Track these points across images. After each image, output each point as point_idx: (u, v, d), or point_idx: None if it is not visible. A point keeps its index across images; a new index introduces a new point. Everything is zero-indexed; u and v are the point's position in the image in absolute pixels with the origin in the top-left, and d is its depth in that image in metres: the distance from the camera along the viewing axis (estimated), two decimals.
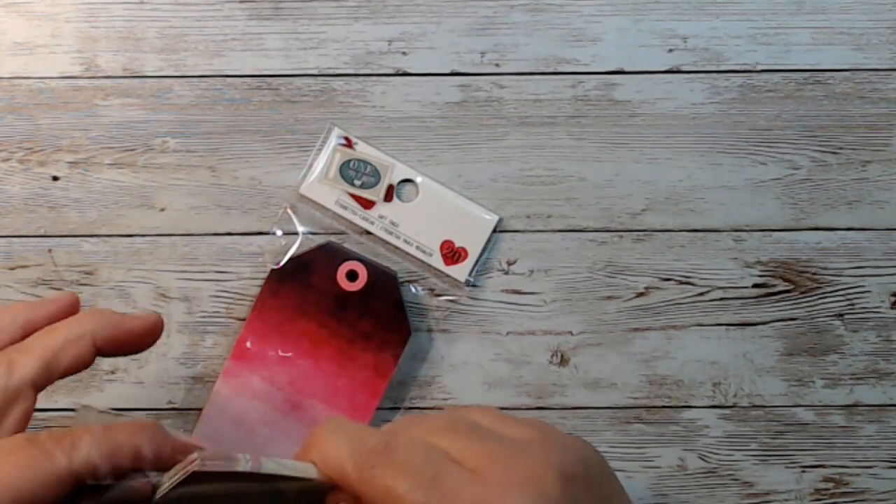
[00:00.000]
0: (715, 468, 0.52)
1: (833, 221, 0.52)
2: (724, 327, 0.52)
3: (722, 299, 0.52)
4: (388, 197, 0.52)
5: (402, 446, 0.31)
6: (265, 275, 0.51)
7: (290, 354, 0.50)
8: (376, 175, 0.51)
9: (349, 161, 0.51)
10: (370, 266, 0.50)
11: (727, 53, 0.52)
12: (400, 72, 0.52)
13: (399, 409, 0.51)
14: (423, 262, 0.51)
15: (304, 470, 0.31)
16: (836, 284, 0.52)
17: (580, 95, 0.52)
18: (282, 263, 0.51)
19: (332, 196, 0.51)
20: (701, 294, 0.52)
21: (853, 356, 0.52)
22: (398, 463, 0.31)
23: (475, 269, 0.51)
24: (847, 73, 0.52)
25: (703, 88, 0.52)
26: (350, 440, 0.31)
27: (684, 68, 0.52)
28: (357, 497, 0.31)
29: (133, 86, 0.52)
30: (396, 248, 0.51)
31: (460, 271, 0.51)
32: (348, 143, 0.52)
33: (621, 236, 0.52)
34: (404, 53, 0.52)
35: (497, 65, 0.52)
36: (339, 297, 0.50)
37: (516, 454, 0.31)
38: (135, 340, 0.37)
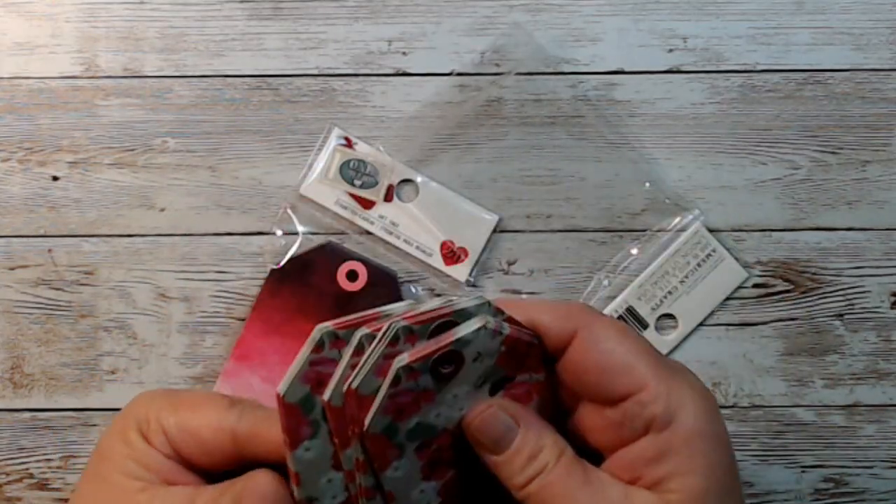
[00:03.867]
0: None
1: (833, 221, 0.52)
2: (724, 327, 0.52)
3: (722, 299, 0.52)
4: (388, 197, 0.52)
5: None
6: (265, 275, 0.51)
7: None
8: (376, 175, 0.51)
9: (349, 161, 0.51)
10: (370, 266, 0.50)
11: (727, 53, 0.52)
12: (400, 72, 0.52)
13: None
14: (423, 262, 0.51)
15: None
16: (836, 284, 0.52)
17: (580, 95, 0.52)
18: (282, 263, 0.51)
19: (332, 196, 0.51)
20: None
21: (853, 356, 0.52)
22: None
23: (475, 269, 0.51)
24: (847, 73, 0.52)
25: (703, 88, 0.52)
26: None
27: (684, 68, 0.52)
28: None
29: (133, 86, 0.52)
30: (396, 248, 0.51)
31: (460, 271, 0.51)
32: (348, 143, 0.52)
33: (621, 236, 0.52)
34: (404, 53, 0.52)
35: (497, 65, 0.52)
36: (339, 297, 0.50)
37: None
38: None
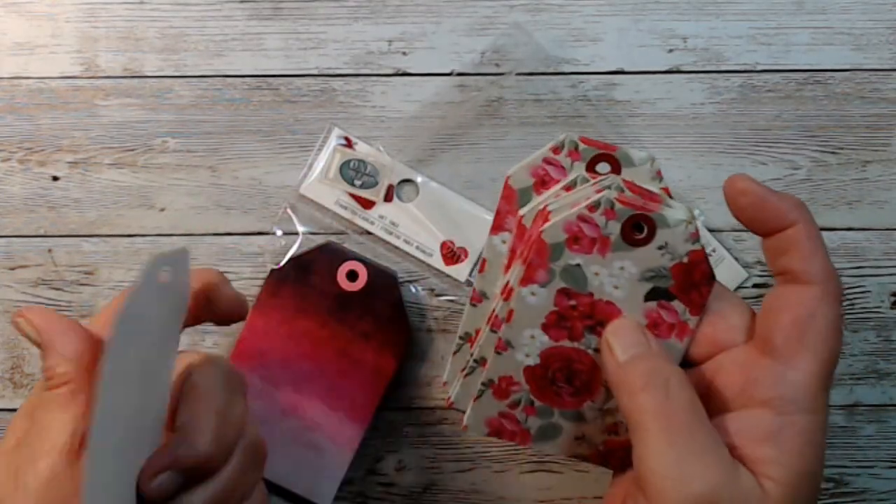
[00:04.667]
0: None
1: (833, 221, 0.52)
2: None
3: None
4: (388, 197, 0.52)
5: None
6: (265, 275, 0.51)
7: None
8: (376, 175, 0.51)
9: (349, 161, 0.51)
10: (370, 266, 0.50)
11: (727, 53, 0.52)
12: (400, 72, 0.52)
13: (399, 409, 0.51)
14: (423, 262, 0.51)
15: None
16: None
17: (580, 95, 0.52)
18: (282, 263, 0.51)
19: (332, 196, 0.51)
20: None
21: (853, 356, 0.52)
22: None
23: (475, 269, 0.51)
24: (847, 73, 0.52)
25: (703, 88, 0.52)
26: None
27: (684, 68, 0.52)
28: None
29: (133, 86, 0.52)
30: (396, 248, 0.51)
31: (460, 271, 0.51)
32: (348, 143, 0.52)
33: None
34: (404, 53, 0.52)
35: (497, 65, 0.52)
36: (339, 297, 0.50)
37: None
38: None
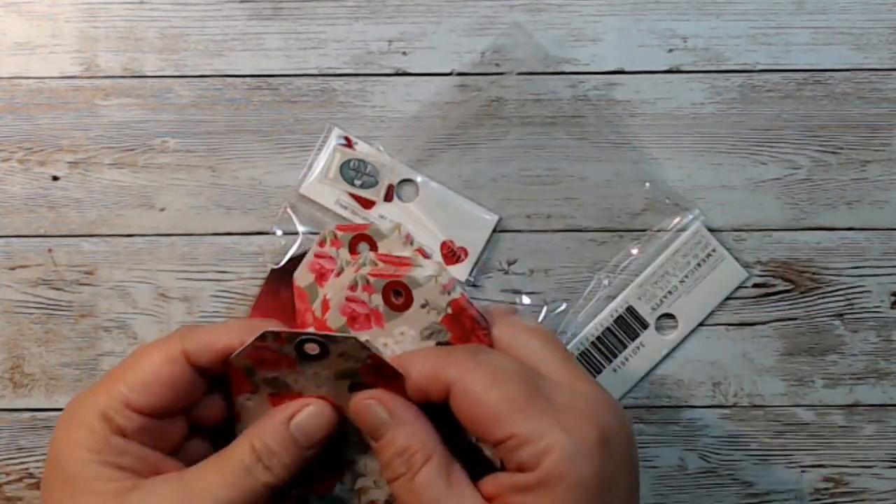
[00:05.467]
0: (715, 468, 0.52)
1: (833, 221, 0.52)
2: (723, 327, 0.52)
3: (722, 299, 0.52)
4: (388, 197, 0.52)
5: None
6: (265, 275, 0.51)
7: None
8: (376, 175, 0.51)
9: (349, 161, 0.51)
10: None
11: (727, 53, 0.52)
12: (400, 72, 0.52)
13: None
14: None
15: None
16: (836, 284, 0.52)
17: (580, 95, 0.52)
18: (282, 263, 0.51)
19: (332, 196, 0.51)
20: None
21: (853, 356, 0.52)
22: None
23: (475, 269, 0.51)
24: (847, 73, 0.52)
25: (703, 88, 0.52)
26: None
27: (684, 68, 0.52)
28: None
29: (133, 86, 0.52)
30: None
31: (460, 271, 0.51)
32: (348, 143, 0.52)
33: (621, 236, 0.52)
34: (404, 53, 0.52)
35: (497, 65, 0.52)
36: None
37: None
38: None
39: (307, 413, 0.36)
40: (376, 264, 0.38)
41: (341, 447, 0.38)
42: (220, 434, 0.38)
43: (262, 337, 0.35)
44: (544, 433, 0.33)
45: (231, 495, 0.34)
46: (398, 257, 0.39)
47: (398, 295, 0.37)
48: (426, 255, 0.39)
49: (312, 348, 0.35)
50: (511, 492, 0.34)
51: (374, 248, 0.40)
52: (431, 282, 0.37)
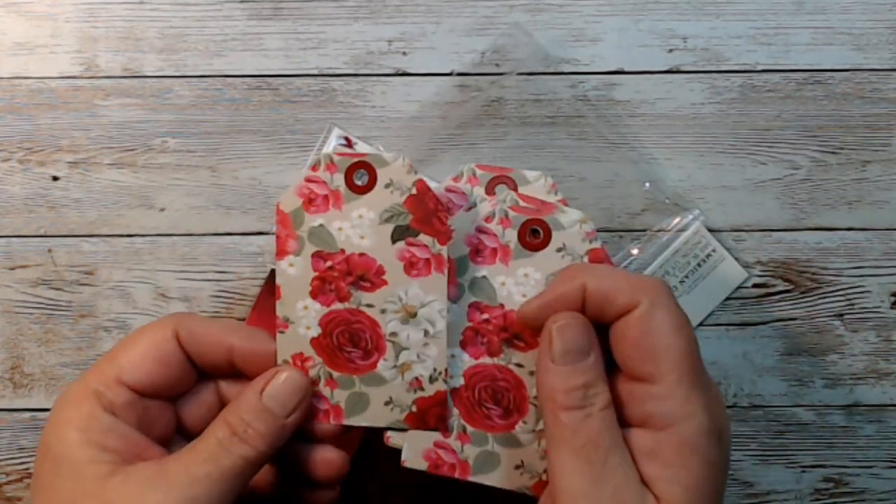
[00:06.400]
0: None
1: (833, 221, 0.52)
2: (724, 327, 0.52)
3: (722, 299, 0.52)
4: None
5: None
6: (265, 275, 0.51)
7: None
8: None
9: None
10: None
11: (727, 53, 0.52)
12: (400, 72, 0.52)
13: None
14: None
15: None
16: (836, 284, 0.52)
17: (580, 95, 0.52)
18: None
19: None
20: None
21: (853, 356, 0.52)
22: None
23: None
24: (847, 73, 0.52)
25: (703, 88, 0.52)
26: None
27: (684, 68, 0.52)
28: None
29: (133, 86, 0.52)
30: None
31: None
32: (348, 143, 0.52)
33: (621, 236, 0.52)
34: (404, 53, 0.52)
35: (497, 65, 0.52)
36: None
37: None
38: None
39: (278, 380, 0.36)
40: (518, 202, 0.37)
41: (381, 319, 0.37)
42: None
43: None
44: (694, 399, 0.33)
45: (208, 470, 0.34)
46: (541, 200, 0.38)
47: (535, 234, 0.37)
48: (567, 205, 0.39)
49: (361, 173, 0.36)
50: (639, 457, 0.33)
51: (514, 189, 0.39)
52: (576, 226, 0.37)
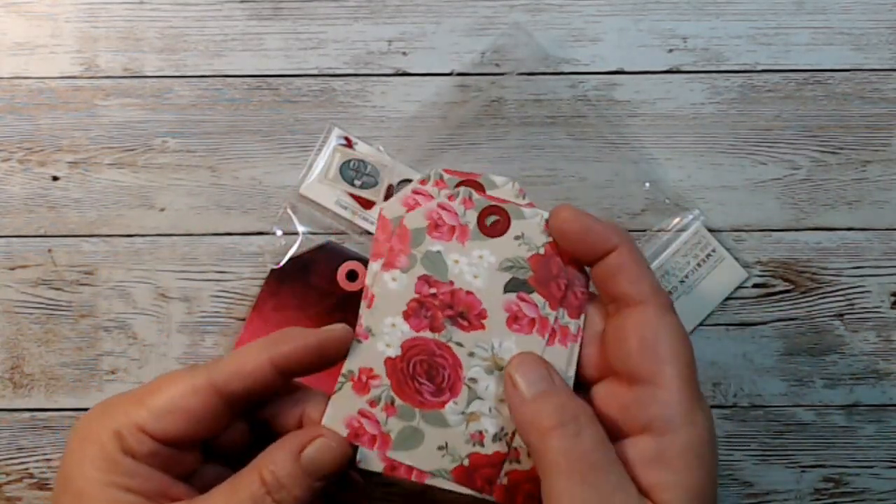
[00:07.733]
0: None
1: (833, 221, 0.52)
2: (724, 327, 0.52)
3: (722, 299, 0.52)
4: (388, 197, 0.52)
5: None
6: (265, 275, 0.51)
7: None
8: (376, 175, 0.51)
9: (349, 161, 0.51)
10: None
11: (727, 53, 0.52)
12: (400, 72, 0.52)
13: None
14: None
15: None
16: (836, 284, 0.52)
17: (580, 95, 0.52)
18: (282, 263, 0.51)
19: (332, 196, 0.51)
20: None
21: (853, 356, 0.52)
22: None
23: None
24: (847, 73, 0.52)
25: (703, 88, 0.52)
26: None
27: (684, 68, 0.52)
28: None
29: (133, 86, 0.52)
30: None
31: None
32: (348, 143, 0.52)
33: None
34: (404, 53, 0.52)
35: (497, 65, 0.52)
36: (339, 298, 0.50)
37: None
38: (314, 358, 0.37)
39: (318, 446, 0.35)
40: (484, 193, 0.38)
41: (466, 361, 0.37)
42: (240, 461, 0.37)
43: (455, 194, 0.36)
44: (695, 407, 0.34)
45: None
46: (506, 199, 0.38)
47: (494, 221, 0.37)
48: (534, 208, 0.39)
49: (494, 215, 0.36)
50: (644, 465, 0.33)
51: (481, 192, 0.40)
52: (537, 218, 0.37)
